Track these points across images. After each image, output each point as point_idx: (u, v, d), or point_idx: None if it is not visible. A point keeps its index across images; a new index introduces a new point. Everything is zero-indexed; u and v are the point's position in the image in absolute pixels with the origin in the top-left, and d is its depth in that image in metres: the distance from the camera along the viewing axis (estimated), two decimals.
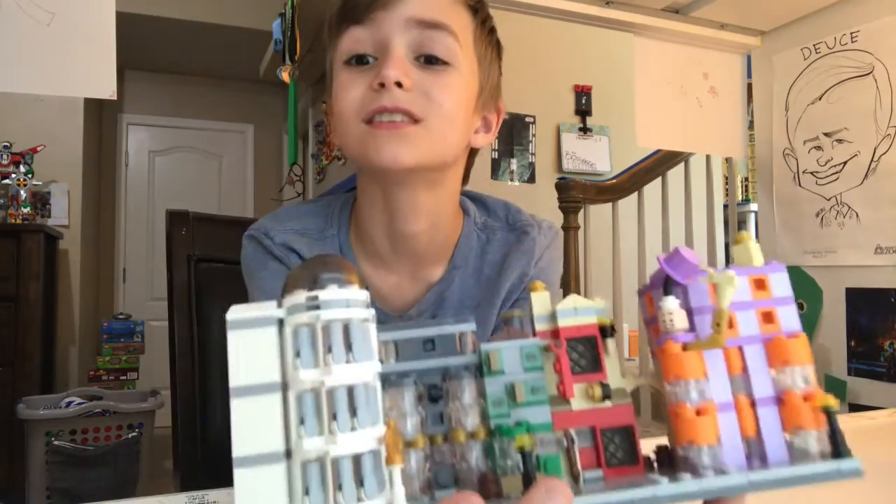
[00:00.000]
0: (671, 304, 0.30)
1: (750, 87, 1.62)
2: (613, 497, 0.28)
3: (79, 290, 3.50)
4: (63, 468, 2.38)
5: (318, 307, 0.27)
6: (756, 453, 0.30)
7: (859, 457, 0.29)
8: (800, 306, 1.48)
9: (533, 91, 3.14)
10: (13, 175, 2.93)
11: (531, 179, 3.17)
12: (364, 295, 0.28)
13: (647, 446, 0.32)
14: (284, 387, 0.27)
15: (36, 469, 2.37)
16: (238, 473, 0.26)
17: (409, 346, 0.31)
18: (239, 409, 0.27)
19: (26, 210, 2.92)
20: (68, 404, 2.49)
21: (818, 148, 1.43)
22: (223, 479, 0.50)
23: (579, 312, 0.31)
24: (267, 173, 4.83)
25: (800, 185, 1.48)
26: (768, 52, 1.54)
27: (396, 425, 0.28)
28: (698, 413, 0.29)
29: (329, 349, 0.27)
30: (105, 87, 0.98)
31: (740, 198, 3.60)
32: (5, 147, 2.93)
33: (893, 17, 1.28)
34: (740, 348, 0.30)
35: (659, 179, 2.42)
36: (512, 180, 3.12)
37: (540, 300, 0.32)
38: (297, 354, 0.27)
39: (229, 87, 4.75)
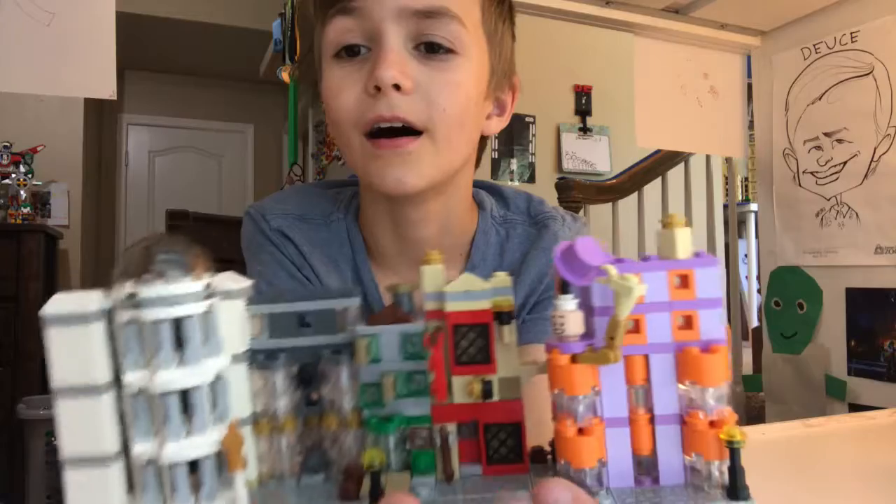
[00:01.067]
0: (566, 304, 0.26)
1: (750, 87, 1.62)
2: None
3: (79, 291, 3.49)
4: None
5: (139, 305, 0.24)
6: (648, 473, 0.27)
7: (858, 457, 0.28)
8: (799, 306, 1.48)
9: (533, 91, 3.13)
10: (13, 175, 2.92)
11: (531, 179, 3.17)
12: (198, 287, 0.25)
13: None
14: (119, 383, 0.25)
15: (36, 469, 2.36)
16: (67, 475, 0.24)
17: (283, 321, 0.29)
18: (63, 410, 0.25)
19: (26, 210, 2.92)
20: None
21: (818, 148, 1.43)
22: None
23: (471, 296, 0.27)
24: (267, 173, 4.83)
25: (800, 185, 1.47)
26: (768, 52, 1.54)
27: (237, 427, 0.26)
28: (581, 432, 0.25)
29: (156, 352, 0.24)
30: (105, 87, 0.98)
31: (740, 198, 3.60)
32: (5, 147, 2.93)
33: (893, 17, 1.28)
34: (646, 357, 0.26)
35: (659, 179, 2.42)
36: (512, 180, 3.12)
37: (431, 274, 0.28)
38: (125, 354, 0.25)
39: (229, 87, 4.75)
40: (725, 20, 1.50)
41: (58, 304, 0.25)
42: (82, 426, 0.25)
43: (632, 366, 0.26)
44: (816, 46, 1.42)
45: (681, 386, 0.26)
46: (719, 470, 0.26)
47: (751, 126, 1.62)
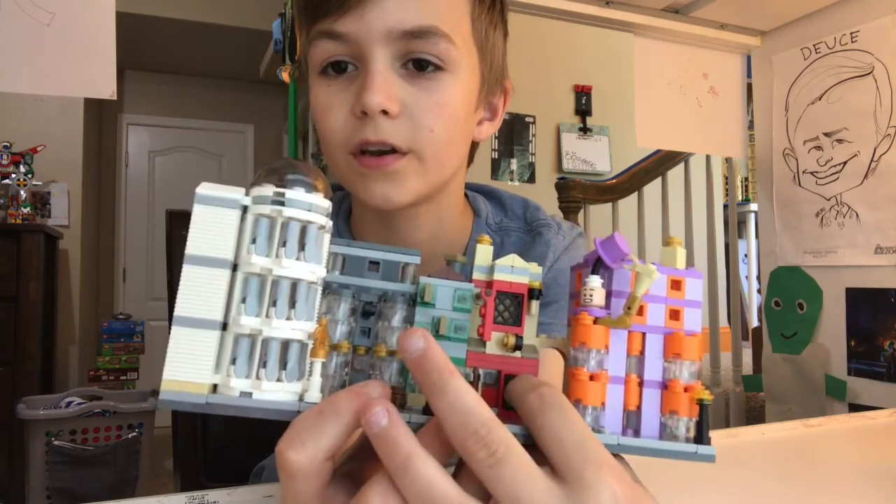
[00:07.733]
0: (594, 282, 0.33)
1: (750, 87, 1.62)
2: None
3: (79, 290, 3.49)
4: (63, 468, 2.38)
5: (282, 203, 0.29)
6: (632, 425, 0.33)
7: (858, 457, 0.29)
8: (799, 306, 1.48)
9: (533, 91, 3.14)
10: (13, 175, 2.92)
11: (531, 179, 3.17)
12: (327, 204, 0.31)
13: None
14: (234, 267, 0.29)
15: (36, 469, 2.36)
16: (174, 330, 0.28)
17: (356, 263, 0.33)
18: (188, 275, 0.29)
19: (26, 210, 2.92)
20: (68, 404, 2.49)
21: (818, 148, 1.43)
22: (223, 479, 0.50)
23: (515, 271, 0.34)
24: None
25: (800, 185, 1.48)
26: (768, 52, 1.54)
27: (327, 326, 0.31)
28: (591, 378, 0.32)
29: (284, 243, 0.29)
30: (105, 87, 0.98)
31: (740, 198, 3.60)
32: (5, 147, 2.93)
33: (893, 17, 1.28)
34: (643, 335, 0.34)
35: (659, 179, 2.42)
36: (512, 180, 3.12)
37: (483, 252, 0.35)
38: (253, 241, 0.29)
39: (229, 87, 4.75)
40: (725, 20, 1.50)
41: (209, 188, 0.29)
42: (200, 292, 0.29)
43: (632, 340, 0.34)
44: (816, 46, 1.42)
45: (665, 361, 0.34)
46: (687, 427, 0.33)
47: (751, 126, 1.62)
